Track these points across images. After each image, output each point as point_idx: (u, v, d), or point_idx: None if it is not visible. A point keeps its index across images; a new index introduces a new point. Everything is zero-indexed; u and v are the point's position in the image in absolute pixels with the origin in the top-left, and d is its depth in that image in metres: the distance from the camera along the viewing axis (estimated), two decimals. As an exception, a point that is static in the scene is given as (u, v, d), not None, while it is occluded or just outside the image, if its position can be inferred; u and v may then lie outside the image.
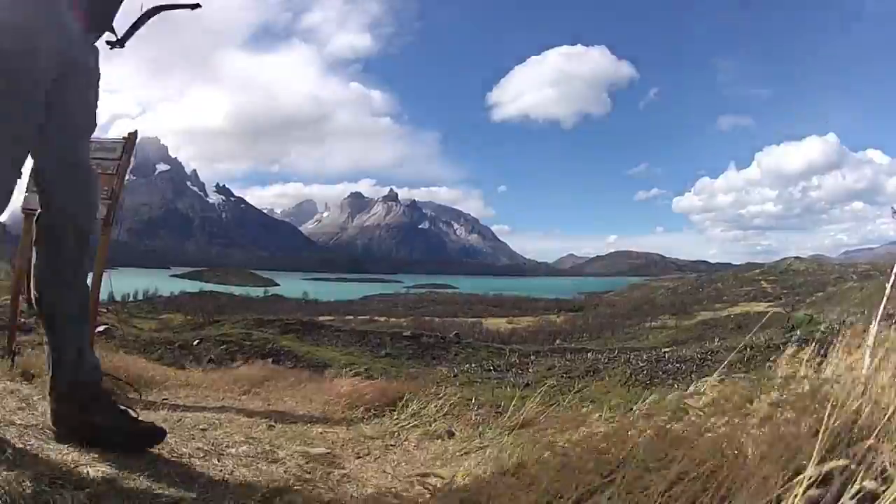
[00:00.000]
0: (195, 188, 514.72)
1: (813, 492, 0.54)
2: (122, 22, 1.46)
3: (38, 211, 1.39)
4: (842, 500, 0.54)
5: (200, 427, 2.15)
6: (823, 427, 0.60)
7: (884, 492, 0.54)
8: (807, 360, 0.97)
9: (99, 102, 1.44)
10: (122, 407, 1.50)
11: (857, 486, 0.54)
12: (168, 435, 1.57)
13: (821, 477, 0.56)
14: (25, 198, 3.79)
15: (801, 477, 0.55)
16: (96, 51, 1.45)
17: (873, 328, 0.89)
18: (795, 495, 0.53)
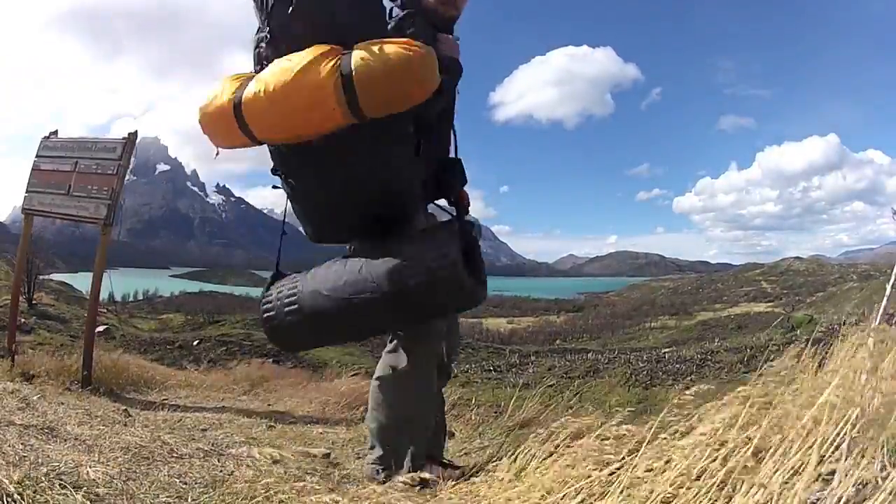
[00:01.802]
0: (195, 188, 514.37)
1: (815, 485, 0.54)
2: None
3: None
4: (842, 493, 0.54)
5: (201, 427, 2.15)
6: (825, 423, 0.60)
7: (881, 483, 0.54)
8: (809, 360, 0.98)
9: None
10: None
11: (856, 478, 0.55)
12: (168, 435, 1.57)
13: (821, 475, 0.56)
14: (25, 198, 3.79)
15: (802, 474, 0.55)
16: None
17: (874, 327, 0.89)
18: (795, 493, 0.53)
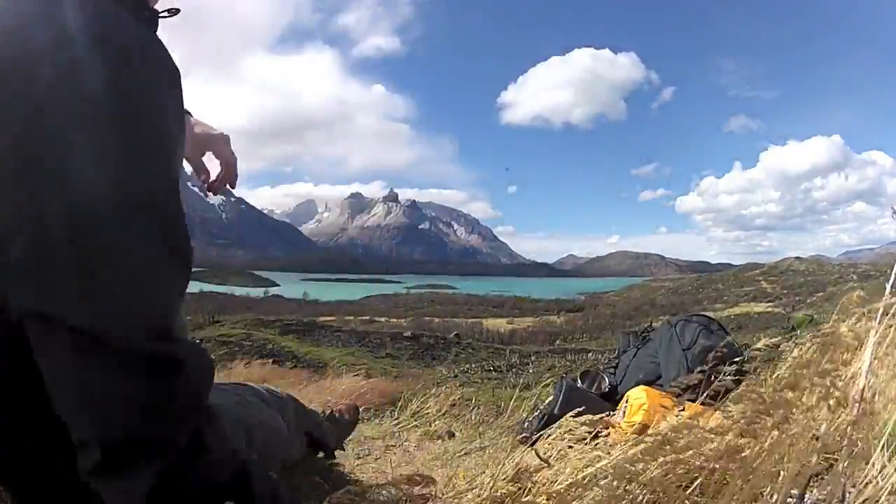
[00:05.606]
0: (195, 188, 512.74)
1: (812, 485, 0.54)
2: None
3: None
4: (840, 492, 0.54)
5: (200, 427, 2.15)
6: (823, 425, 0.60)
7: (880, 483, 0.54)
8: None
9: None
10: None
11: (854, 477, 0.55)
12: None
13: (815, 479, 0.56)
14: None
15: (799, 474, 0.55)
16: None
17: (874, 327, 0.89)
18: (792, 492, 0.53)
